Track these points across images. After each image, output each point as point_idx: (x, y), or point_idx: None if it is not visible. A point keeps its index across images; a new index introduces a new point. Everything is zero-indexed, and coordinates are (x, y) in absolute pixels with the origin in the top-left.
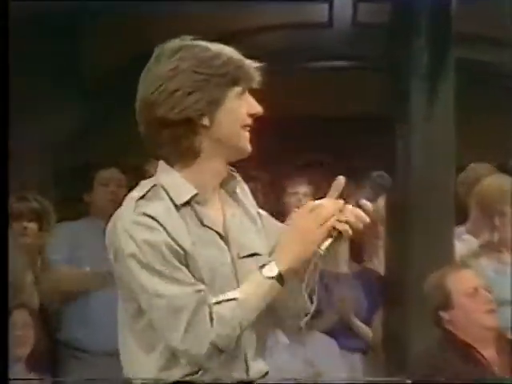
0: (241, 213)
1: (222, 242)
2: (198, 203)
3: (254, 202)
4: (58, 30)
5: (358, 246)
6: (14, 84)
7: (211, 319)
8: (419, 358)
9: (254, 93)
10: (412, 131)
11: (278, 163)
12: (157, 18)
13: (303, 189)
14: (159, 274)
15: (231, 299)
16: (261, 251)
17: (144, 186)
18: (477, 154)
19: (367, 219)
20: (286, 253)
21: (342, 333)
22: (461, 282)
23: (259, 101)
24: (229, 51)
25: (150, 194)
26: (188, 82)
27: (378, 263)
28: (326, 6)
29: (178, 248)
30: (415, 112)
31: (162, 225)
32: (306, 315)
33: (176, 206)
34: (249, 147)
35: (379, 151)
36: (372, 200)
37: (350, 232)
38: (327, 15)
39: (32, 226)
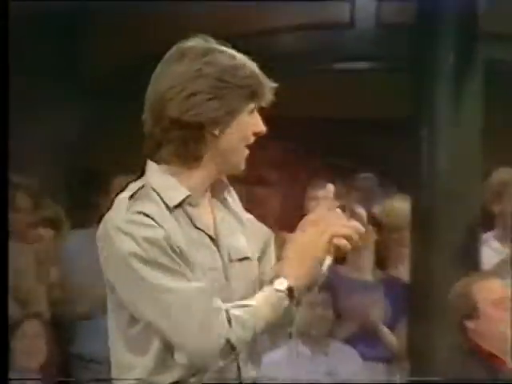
0: (230, 217)
1: (213, 245)
2: (189, 205)
3: (241, 207)
4: (58, 29)
5: (383, 253)
6: (14, 84)
7: (229, 320)
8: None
9: (275, 94)
10: (437, 135)
11: (298, 166)
12: (162, 18)
13: (323, 193)
14: (165, 268)
15: (247, 305)
16: (251, 255)
17: (133, 187)
18: (504, 157)
19: (363, 230)
20: (296, 268)
21: (364, 342)
22: (487, 291)
23: (281, 103)
24: (251, 65)
25: (140, 194)
26: (209, 88)
27: (403, 270)
28: (347, 5)
29: (175, 247)
30: (440, 115)
31: (157, 223)
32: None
33: (168, 207)
34: (243, 166)
35: (403, 156)
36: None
37: (349, 247)
38: (349, 15)
39: (47, 233)
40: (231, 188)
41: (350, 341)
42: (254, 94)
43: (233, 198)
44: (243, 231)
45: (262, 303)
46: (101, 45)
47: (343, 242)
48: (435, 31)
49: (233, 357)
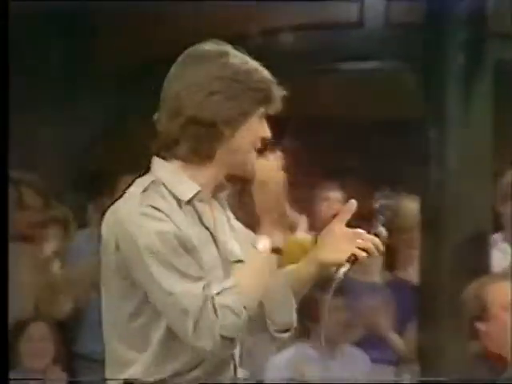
0: (225, 219)
1: (214, 244)
2: (199, 201)
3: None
4: (57, 29)
5: (391, 255)
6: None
7: (215, 311)
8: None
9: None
10: (447, 135)
11: (309, 167)
12: (162, 18)
13: (335, 194)
14: (172, 268)
15: (230, 287)
16: (243, 259)
17: (142, 182)
18: None
19: (382, 249)
20: (325, 250)
21: (373, 345)
22: (498, 293)
23: (291, 102)
24: (263, 70)
25: (150, 189)
26: (226, 88)
27: (412, 272)
28: (356, 5)
29: (187, 242)
30: (450, 115)
31: (169, 217)
32: (287, 330)
33: (179, 202)
34: (251, 168)
35: (413, 156)
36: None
37: (366, 259)
38: (358, 15)
39: (54, 233)
40: (228, 191)
41: (358, 343)
42: (265, 99)
43: (225, 202)
44: (235, 235)
45: (246, 273)
46: (101, 45)
47: (363, 254)
48: (444, 31)
49: (234, 344)
